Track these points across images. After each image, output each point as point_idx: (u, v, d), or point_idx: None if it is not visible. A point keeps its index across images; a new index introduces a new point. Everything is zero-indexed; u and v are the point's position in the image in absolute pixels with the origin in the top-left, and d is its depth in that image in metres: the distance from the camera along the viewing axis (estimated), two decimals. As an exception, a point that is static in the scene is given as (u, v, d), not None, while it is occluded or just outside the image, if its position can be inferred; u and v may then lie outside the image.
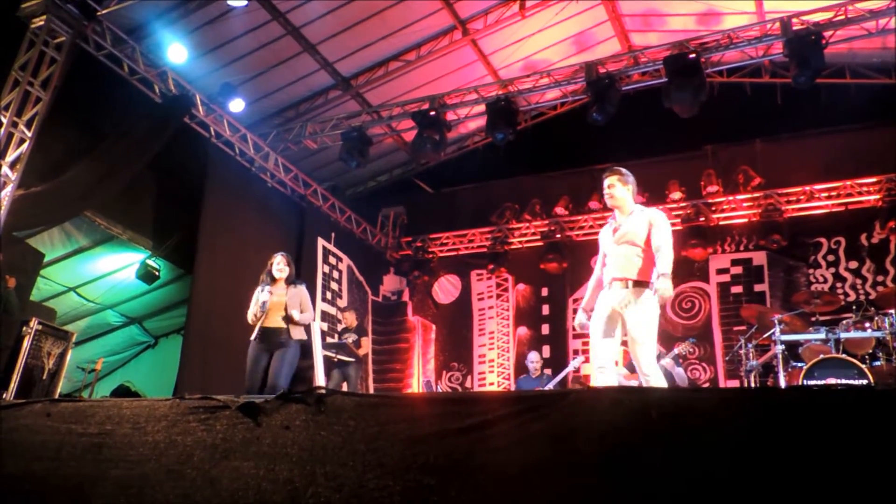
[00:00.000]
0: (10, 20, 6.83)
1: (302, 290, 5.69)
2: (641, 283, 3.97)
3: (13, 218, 6.70)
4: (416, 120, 8.74)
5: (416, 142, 8.84)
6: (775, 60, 8.67)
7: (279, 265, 5.66)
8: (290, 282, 5.68)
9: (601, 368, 3.99)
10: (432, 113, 8.65)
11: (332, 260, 10.46)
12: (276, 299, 5.51)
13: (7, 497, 2.65)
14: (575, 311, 4.06)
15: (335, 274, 10.47)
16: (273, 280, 5.65)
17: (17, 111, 6.72)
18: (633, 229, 4.09)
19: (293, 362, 5.50)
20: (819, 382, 5.98)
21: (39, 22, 6.84)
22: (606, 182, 4.26)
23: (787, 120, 9.37)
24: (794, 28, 7.40)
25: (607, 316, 4.03)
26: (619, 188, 4.19)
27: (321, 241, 10.22)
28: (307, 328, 5.79)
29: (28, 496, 2.62)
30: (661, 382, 3.96)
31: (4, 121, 6.63)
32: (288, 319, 5.47)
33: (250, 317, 5.57)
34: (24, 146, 6.76)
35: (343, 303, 10.38)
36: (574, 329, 4.35)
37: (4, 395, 6.18)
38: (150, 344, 11.07)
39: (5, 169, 6.65)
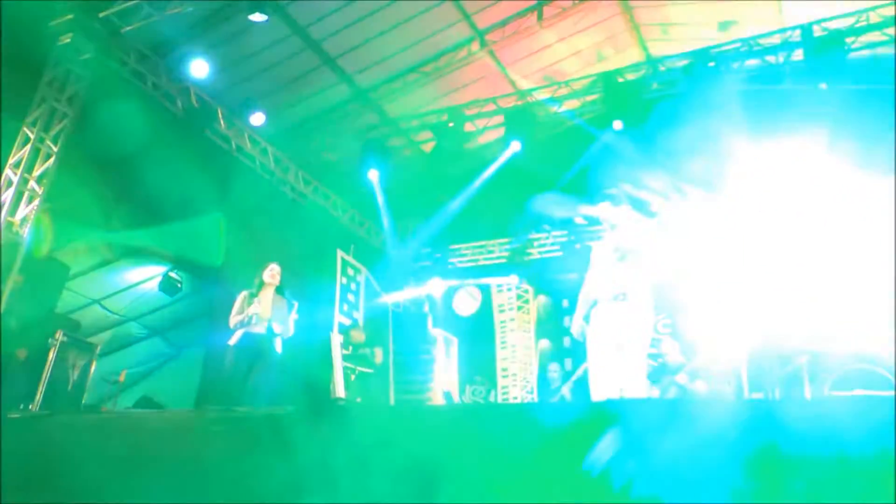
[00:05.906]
0: (37, 38, 6.98)
1: (290, 302, 5.82)
2: (637, 296, 3.94)
3: (40, 231, 6.81)
4: (435, 131, 8.78)
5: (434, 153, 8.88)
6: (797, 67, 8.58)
7: (272, 271, 5.78)
8: (279, 291, 5.78)
9: (622, 390, 3.89)
10: (451, 124, 8.69)
11: (351, 272, 10.47)
12: (264, 307, 5.59)
13: (34, 507, 2.67)
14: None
15: (353, 286, 10.48)
16: (262, 286, 5.72)
17: (45, 126, 6.86)
18: (628, 243, 4.07)
19: (275, 370, 5.59)
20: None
21: (66, 40, 6.98)
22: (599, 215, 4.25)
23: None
24: (816, 35, 7.33)
25: (610, 332, 3.99)
26: (613, 212, 4.16)
27: (340, 253, 10.25)
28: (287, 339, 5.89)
29: (55, 506, 2.64)
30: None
31: (32, 136, 6.76)
32: (274, 328, 5.57)
33: (234, 322, 5.61)
34: (51, 161, 6.88)
35: (359, 315, 10.37)
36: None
37: (31, 407, 6.25)
38: (172, 355, 11.14)
39: (32, 183, 6.77)
